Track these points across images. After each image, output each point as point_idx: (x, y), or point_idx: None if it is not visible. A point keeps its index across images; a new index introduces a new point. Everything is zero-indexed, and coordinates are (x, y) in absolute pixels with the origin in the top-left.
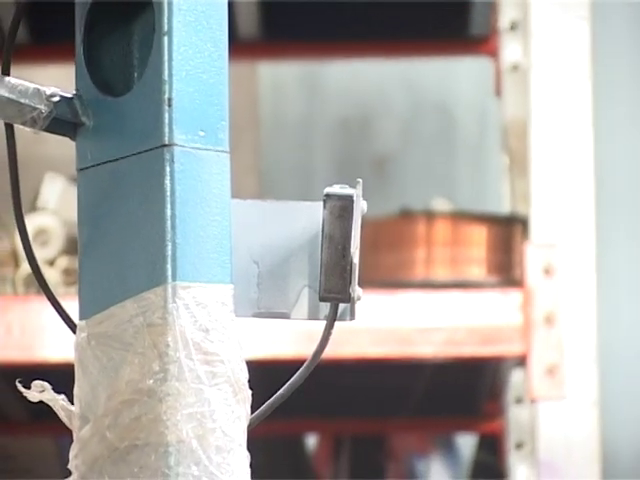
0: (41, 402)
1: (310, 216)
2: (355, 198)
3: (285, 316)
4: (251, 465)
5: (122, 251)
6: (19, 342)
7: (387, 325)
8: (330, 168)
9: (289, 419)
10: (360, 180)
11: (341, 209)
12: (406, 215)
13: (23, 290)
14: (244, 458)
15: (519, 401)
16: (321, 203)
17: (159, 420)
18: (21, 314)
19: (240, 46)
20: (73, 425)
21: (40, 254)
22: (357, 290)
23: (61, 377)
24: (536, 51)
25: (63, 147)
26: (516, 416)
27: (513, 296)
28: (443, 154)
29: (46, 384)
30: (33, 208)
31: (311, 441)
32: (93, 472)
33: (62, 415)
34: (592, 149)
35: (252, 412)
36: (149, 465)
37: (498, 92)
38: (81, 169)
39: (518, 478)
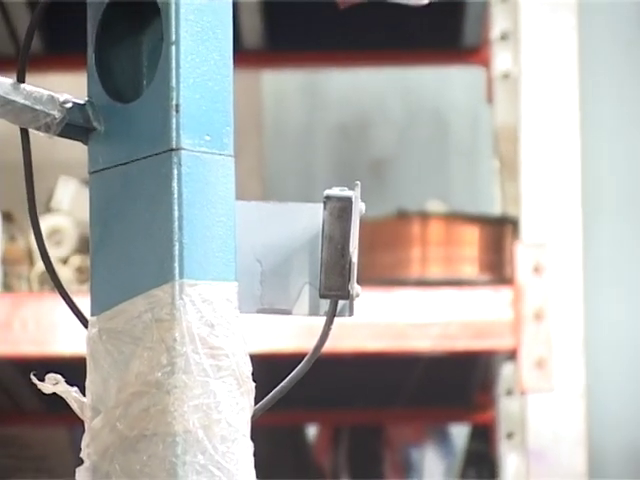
0: (55, 394)
1: (311, 217)
2: (354, 200)
3: (287, 312)
4: (254, 454)
5: (132, 250)
6: (34, 337)
7: (384, 321)
8: (330, 171)
9: (291, 410)
10: (358, 183)
11: (340, 210)
12: (402, 216)
13: (38, 287)
14: (248, 447)
15: (509, 393)
16: (321, 205)
17: (167, 411)
18: (36, 310)
19: (244, 55)
20: (85, 416)
21: (54, 253)
22: (356, 287)
23: (74, 370)
24: (526, 60)
25: (76, 151)
26: (507, 407)
27: (504, 293)
28: (437, 158)
29: (59, 377)
30: (47, 209)
31: (311, 431)
32: (104, 460)
33: (75, 406)
34: (579, 154)
35: (255, 403)
36: (157, 454)
37: (490, 99)
38: (93, 172)
39: (509, 466)
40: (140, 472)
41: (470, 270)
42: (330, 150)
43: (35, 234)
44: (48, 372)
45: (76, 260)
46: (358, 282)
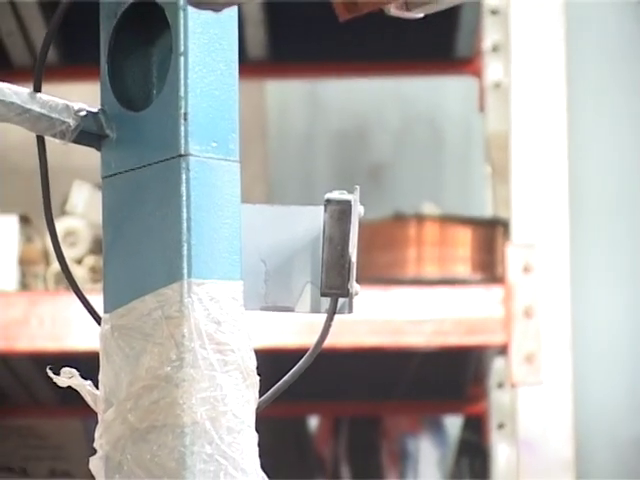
0: (69, 387)
1: (312, 219)
2: (353, 203)
3: (290, 310)
4: (259, 444)
5: (142, 251)
6: (50, 333)
7: (382, 317)
8: (330, 176)
9: (293, 402)
10: (357, 187)
11: (340, 213)
12: (398, 218)
13: (53, 286)
14: (253, 438)
15: (500, 386)
16: (322, 207)
17: (176, 403)
18: (51, 308)
19: (249, 66)
20: (98, 408)
21: (69, 254)
22: (355, 286)
23: (87, 365)
24: (516, 71)
25: (89, 157)
26: (498, 399)
27: (495, 291)
28: (432, 163)
29: (74, 371)
30: (63, 212)
31: (313, 422)
32: (116, 450)
33: (88, 399)
34: (566, 159)
35: (260, 396)
36: (167, 444)
37: (482, 108)
38: (105, 177)
39: (499, 455)
40: (150, 461)
41: (463, 269)
42: (330, 156)
43: (51, 236)
44: (63, 366)
45: (90, 260)
46: (357, 281)
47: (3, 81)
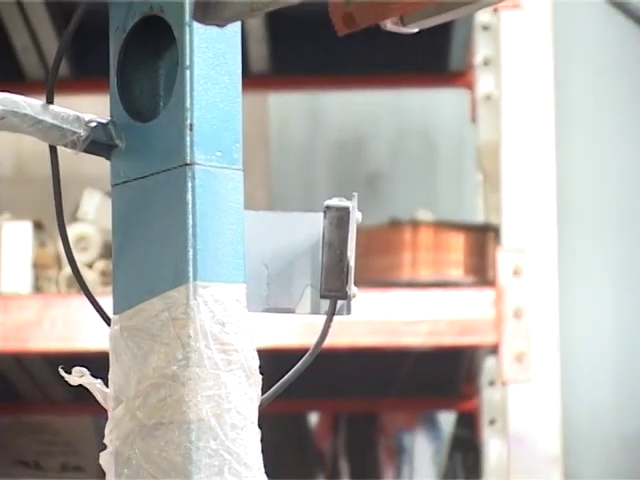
0: (81, 385)
1: (312, 225)
2: (351, 210)
3: (291, 311)
4: (262, 440)
5: (150, 255)
6: (62, 334)
7: (378, 319)
8: (329, 184)
9: (294, 400)
10: (355, 194)
11: (339, 219)
12: (394, 224)
13: (65, 289)
14: (256, 434)
15: (492, 384)
16: (322, 214)
17: (182, 401)
18: (64, 310)
19: (252, 79)
20: (108, 405)
21: (80, 258)
22: (353, 289)
23: (98, 364)
24: (506, 83)
25: (100, 166)
26: (489, 397)
27: (486, 294)
28: (426, 172)
29: (85, 370)
30: (74, 219)
31: (313, 419)
32: (125, 446)
33: (99, 397)
34: (554, 167)
35: (262, 394)
36: (173, 440)
37: (473, 119)
38: (115, 185)
39: (491, 450)
40: (158, 456)
41: (456, 273)
42: (329, 165)
43: (63, 241)
44: (75, 366)
45: (100, 264)
46: (355, 284)
47: (17, 94)
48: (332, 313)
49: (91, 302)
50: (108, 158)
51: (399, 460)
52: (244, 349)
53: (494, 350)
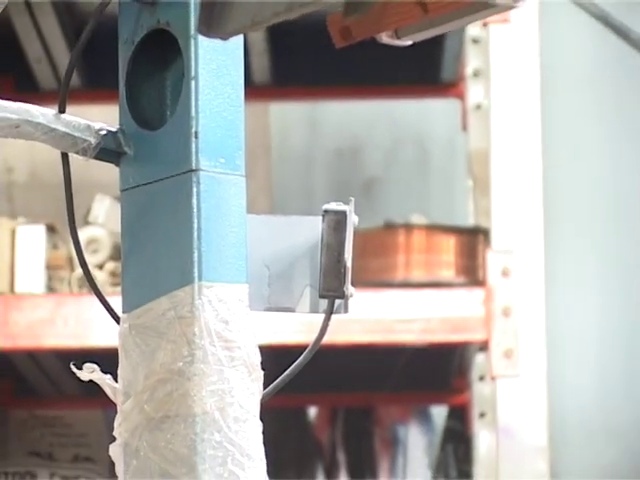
0: (91, 381)
1: (311, 228)
2: (348, 213)
3: (291, 310)
4: (263, 432)
5: (157, 257)
6: (73, 331)
7: (374, 317)
8: (327, 189)
9: (294, 394)
10: (352, 199)
11: (337, 222)
12: (389, 227)
13: (77, 289)
14: (258, 426)
15: (482, 379)
16: (320, 218)
17: (187, 395)
18: (75, 308)
19: (254, 90)
20: (117, 399)
21: (91, 260)
22: (350, 289)
23: (107, 360)
24: (495, 94)
25: (109, 172)
26: (479, 391)
27: (477, 293)
28: (419, 178)
29: (95, 366)
30: (85, 222)
31: (312, 412)
32: (134, 438)
33: (108, 391)
34: (541, 173)
35: (264, 388)
36: (179, 432)
37: (464, 127)
38: (124, 190)
39: (481, 441)
40: (164, 448)
41: (448, 273)
42: (327, 171)
43: (74, 243)
44: (86, 362)
45: (110, 266)
46: (352, 284)
47: (31, 103)
48: (330, 312)
49: (101, 301)
50: (117, 165)
51: (394, 451)
52: (246, 346)
53: (484, 347)
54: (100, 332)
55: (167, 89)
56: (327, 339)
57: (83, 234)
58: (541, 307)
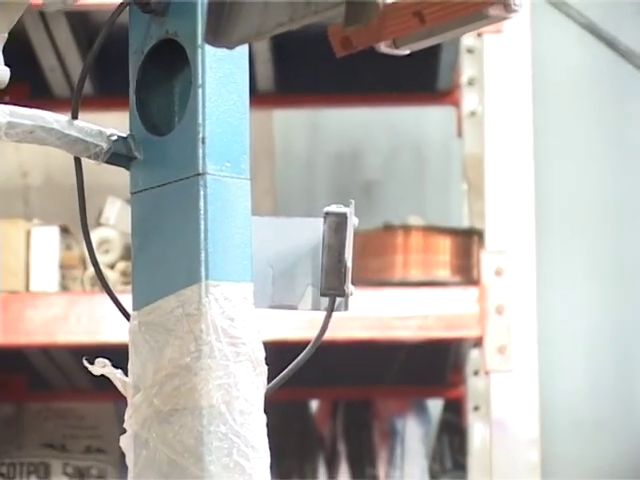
0: (103, 375)
1: (313, 229)
2: (348, 215)
3: (293, 308)
4: (267, 424)
5: (166, 257)
6: (86, 328)
7: (373, 314)
8: (328, 192)
9: (296, 388)
10: (352, 201)
11: (337, 224)
12: (387, 229)
13: (89, 288)
14: (262, 419)
15: (476, 373)
16: (322, 219)
17: (195, 389)
18: (88, 306)
19: (258, 97)
20: (127, 393)
21: (102, 259)
22: (350, 287)
23: (118, 356)
24: (489, 101)
25: (120, 176)
26: (474, 385)
27: (471, 292)
28: (416, 181)
29: (106, 361)
30: (97, 224)
31: (314, 405)
32: (143, 430)
33: (119, 385)
34: (533, 177)
35: (268, 383)
36: (187, 425)
37: (459, 133)
38: (134, 193)
39: (475, 434)
40: (173, 439)
41: (443, 273)
42: (329, 175)
43: (87, 244)
44: (97, 357)
45: (121, 265)
46: (352, 283)
47: (45, 110)
48: (331, 309)
49: (112, 299)
50: (128, 168)
51: (392, 442)
52: (251, 342)
53: (478, 343)
54: (111, 329)
55: (175, 96)
56: (328, 335)
57: (95, 235)
58: (533, 305)
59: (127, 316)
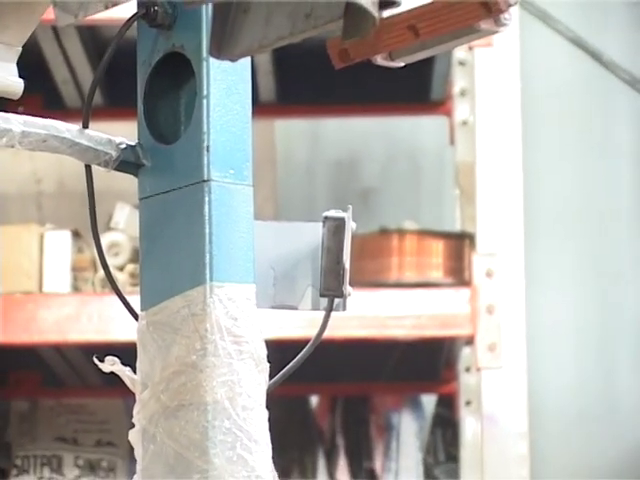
0: (112, 372)
1: (313, 233)
2: (346, 220)
3: (294, 308)
4: (269, 419)
5: (172, 259)
6: (97, 327)
7: (370, 314)
8: (328, 198)
9: (297, 385)
10: (350, 207)
11: (336, 228)
12: (383, 232)
13: (100, 289)
14: (264, 414)
15: (468, 370)
16: (321, 224)
17: (200, 386)
18: (98, 306)
19: (260, 107)
20: (136, 389)
21: (112, 262)
22: (348, 288)
23: (127, 354)
24: (480, 111)
25: (129, 182)
26: (466, 381)
27: (463, 292)
28: (411, 188)
29: (116, 359)
30: (107, 228)
31: (314, 401)
32: (151, 425)
33: (128, 382)
34: (522, 183)
35: (269, 379)
36: (192, 419)
37: (452, 142)
38: (142, 199)
39: (467, 427)
40: (179, 434)
41: (437, 274)
42: (328, 181)
43: (97, 247)
44: (107, 355)
45: (130, 267)
46: (350, 284)
47: (58, 120)
48: (330, 309)
49: (121, 300)
50: (136, 175)
51: (388, 436)
52: (254, 340)
53: (470, 341)
54: (120, 328)
55: (181, 107)
56: (327, 334)
57: (105, 239)
58: (522, 305)
59: (135, 316)
